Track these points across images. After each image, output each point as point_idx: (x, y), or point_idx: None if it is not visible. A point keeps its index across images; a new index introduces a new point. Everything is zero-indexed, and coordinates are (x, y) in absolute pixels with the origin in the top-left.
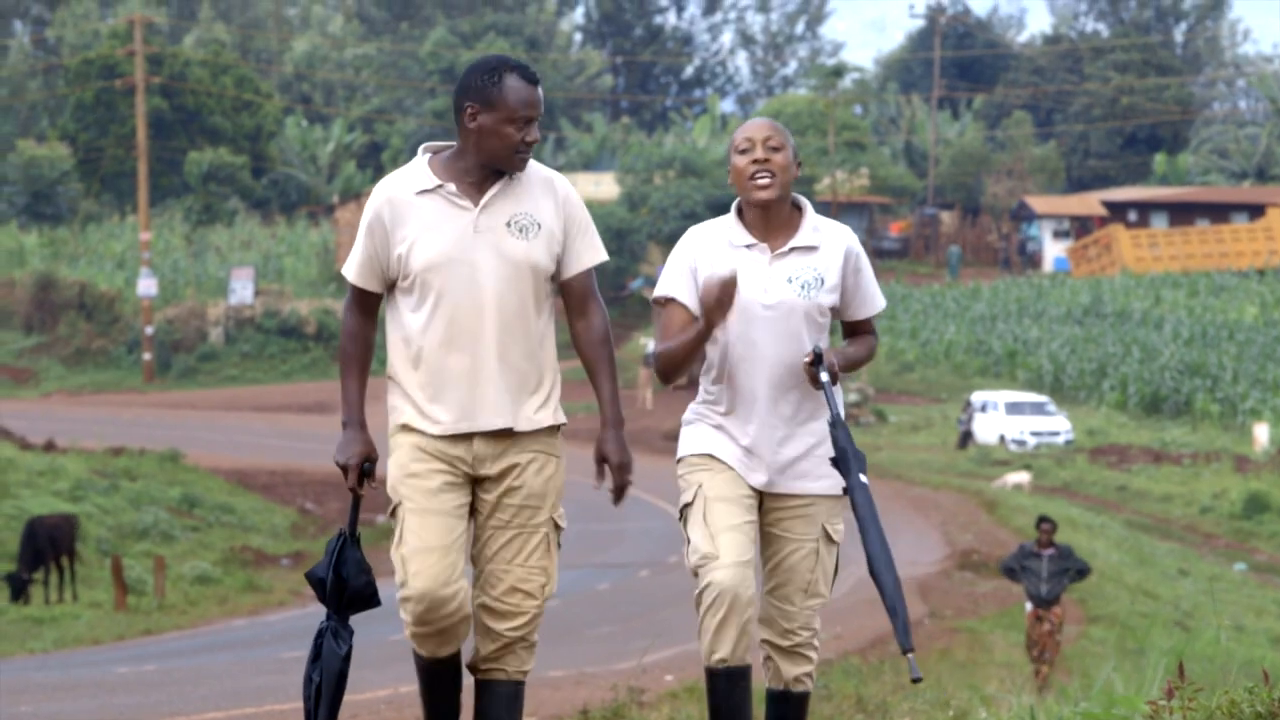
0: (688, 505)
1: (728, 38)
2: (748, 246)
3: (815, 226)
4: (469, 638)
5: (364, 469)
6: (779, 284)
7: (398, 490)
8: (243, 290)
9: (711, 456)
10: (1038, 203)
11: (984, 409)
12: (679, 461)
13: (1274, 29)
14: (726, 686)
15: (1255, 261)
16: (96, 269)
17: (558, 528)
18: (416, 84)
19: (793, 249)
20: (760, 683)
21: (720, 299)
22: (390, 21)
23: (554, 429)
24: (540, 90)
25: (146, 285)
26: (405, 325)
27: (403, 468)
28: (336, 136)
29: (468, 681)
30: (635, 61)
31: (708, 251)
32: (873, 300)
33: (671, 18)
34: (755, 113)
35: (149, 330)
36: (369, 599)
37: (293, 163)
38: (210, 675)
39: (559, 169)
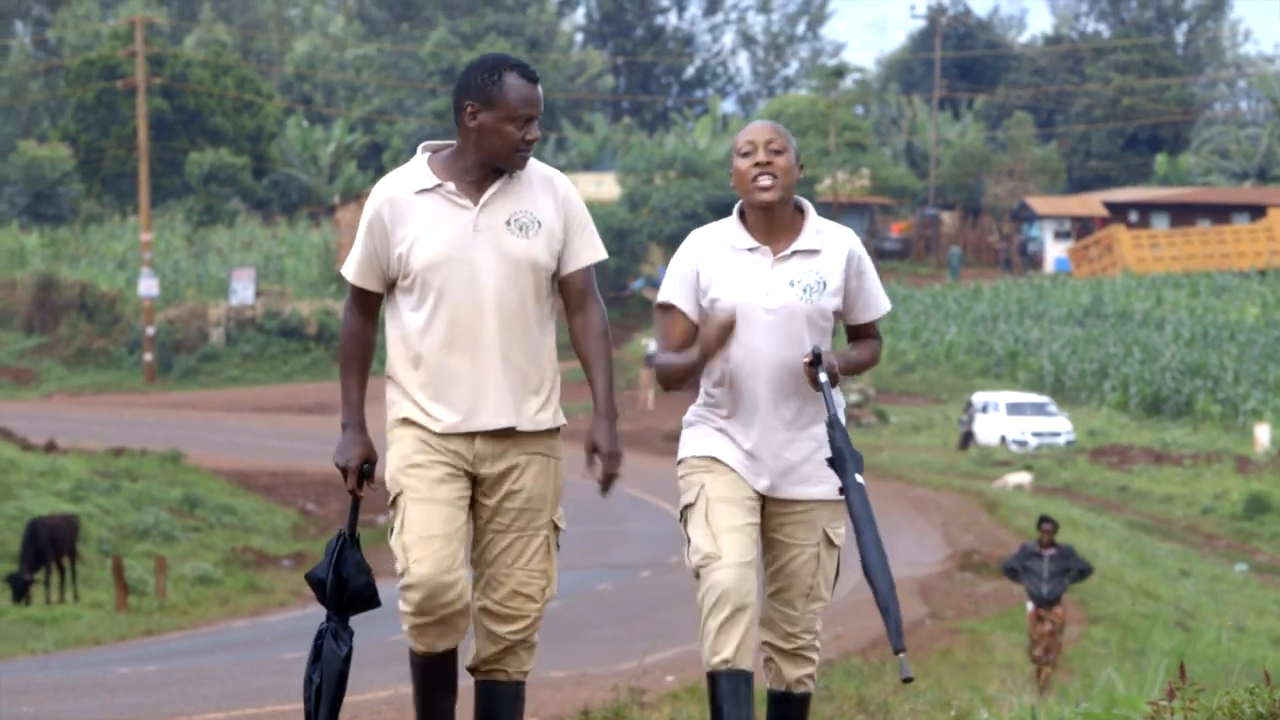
0: (689, 506)
1: (729, 38)
2: (750, 250)
3: (818, 229)
4: (468, 639)
5: (364, 471)
6: (781, 288)
7: (399, 480)
8: (244, 291)
9: (714, 459)
10: (1039, 203)
11: (985, 410)
12: (680, 463)
13: (1275, 29)
14: (729, 689)
15: (1256, 262)
16: (98, 270)
17: (557, 529)
18: (417, 84)
19: (795, 252)
20: (761, 684)
21: (719, 340)
22: (391, 22)
23: (554, 431)
24: (540, 88)
25: (148, 286)
26: (405, 325)
27: (404, 458)
28: (337, 137)
29: (464, 683)
30: (636, 62)
31: (709, 256)
32: (875, 304)
33: (673, 18)
34: (756, 113)
35: (150, 331)
36: (369, 600)
37: (294, 163)
38: (211, 676)
39: (560, 170)
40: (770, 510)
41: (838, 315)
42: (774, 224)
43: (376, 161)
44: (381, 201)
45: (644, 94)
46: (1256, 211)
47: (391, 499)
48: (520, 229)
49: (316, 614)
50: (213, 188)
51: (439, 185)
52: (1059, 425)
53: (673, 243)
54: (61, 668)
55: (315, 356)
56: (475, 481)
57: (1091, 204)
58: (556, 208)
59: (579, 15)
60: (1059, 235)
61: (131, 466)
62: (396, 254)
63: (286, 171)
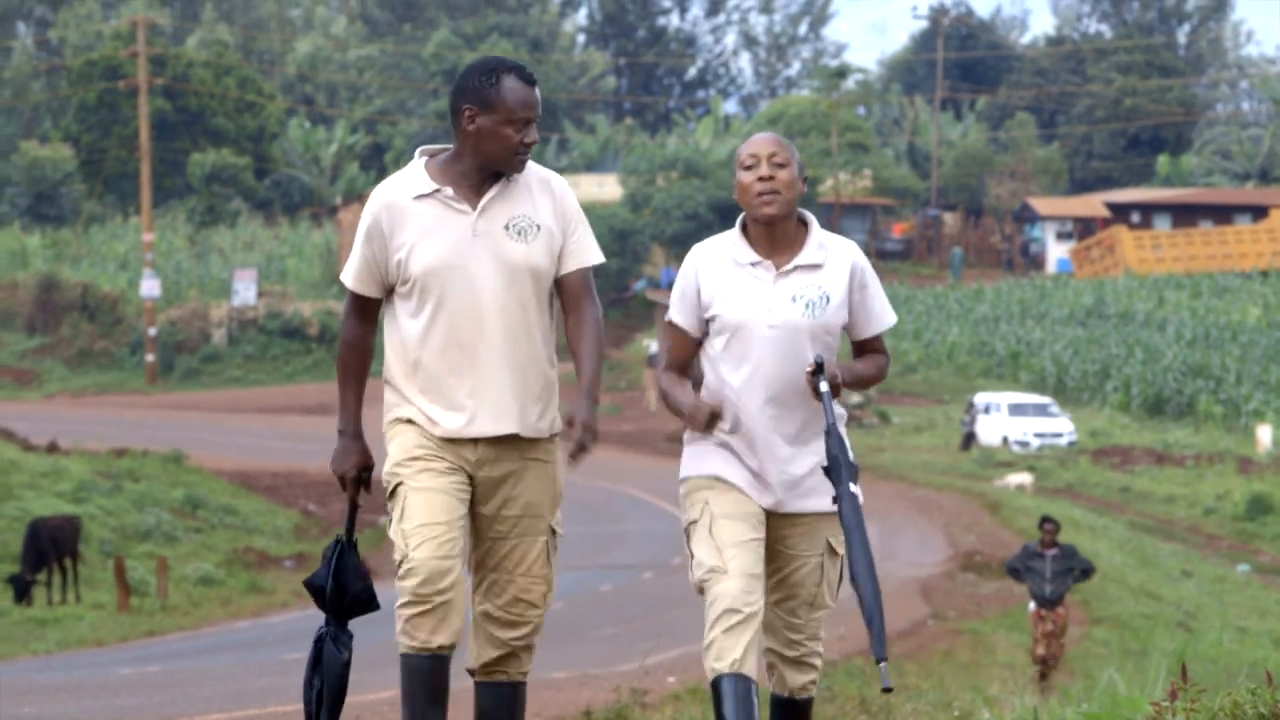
0: (694, 523)
1: (731, 39)
2: (752, 264)
3: (820, 243)
4: (464, 641)
5: (361, 479)
6: (783, 303)
7: (398, 473)
8: (245, 291)
9: (718, 479)
10: (1041, 204)
11: (987, 410)
12: (683, 481)
13: (1277, 30)
14: (733, 691)
15: (1258, 263)
16: (99, 270)
17: (555, 534)
18: (419, 85)
19: (797, 267)
20: (763, 688)
21: (705, 427)
22: (393, 23)
23: (553, 437)
24: (538, 91)
25: (149, 286)
26: (404, 330)
27: (405, 451)
28: (339, 138)
29: (464, 684)
30: (638, 63)
31: (710, 271)
32: (879, 318)
33: (674, 19)
34: (758, 114)
35: (152, 331)
36: (368, 603)
37: (295, 164)
38: (213, 677)
39: (562, 170)
40: (774, 523)
41: (845, 329)
42: (777, 238)
43: (378, 162)
44: (379, 207)
45: (646, 95)
46: (1258, 212)
47: (390, 490)
48: (519, 233)
49: (318, 615)
50: (215, 188)
51: (437, 190)
52: (1061, 426)
53: (674, 243)
54: (63, 668)
55: (317, 357)
56: (473, 485)
57: (1093, 205)
58: (555, 209)
59: (581, 16)
60: (1061, 236)
61: (133, 467)
62: (395, 260)
63: (288, 172)
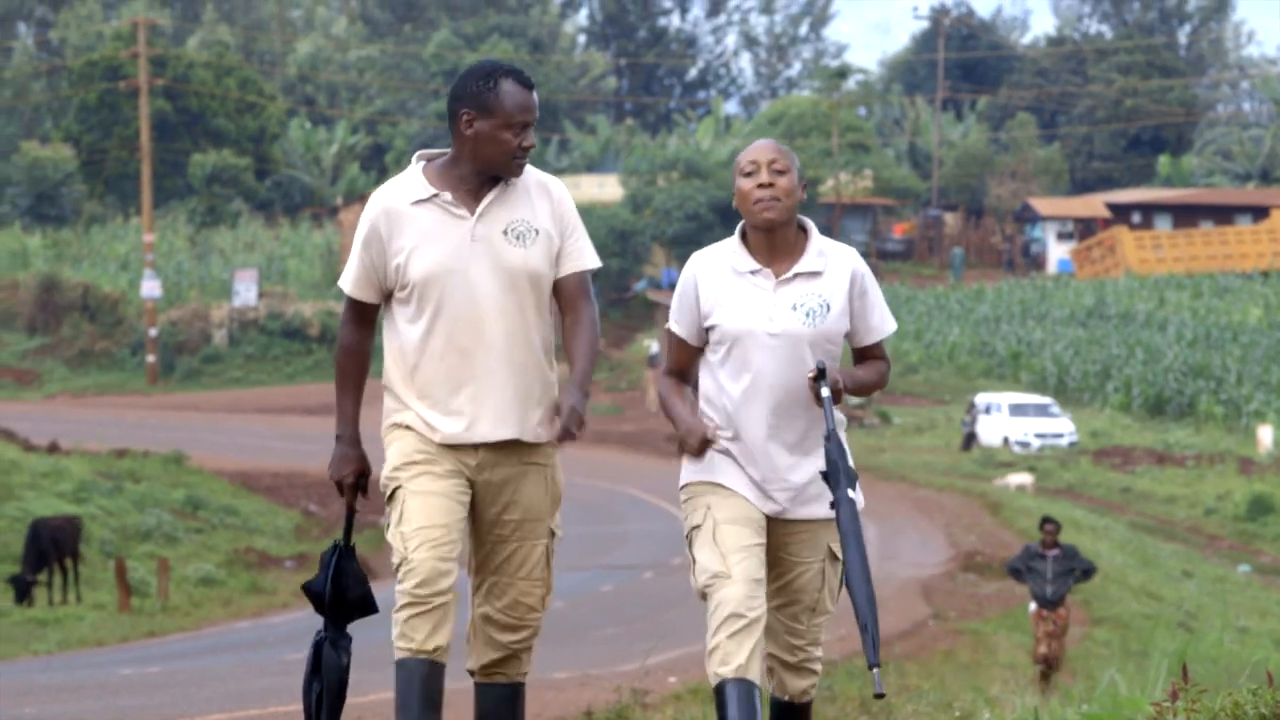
0: (696, 528)
1: (731, 39)
2: (752, 273)
3: (820, 250)
4: (458, 643)
5: (358, 485)
6: (783, 312)
7: (397, 476)
8: (246, 292)
9: (720, 484)
10: (1041, 204)
11: (988, 411)
12: (684, 486)
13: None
14: (738, 695)
15: (1259, 263)
16: (100, 271)
17: (554, 535)
18: (420, 86)
19: (797, 275)
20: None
21: (696, 454)
22: (394, 23)
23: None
24: (535, 95)
25: (150, 287)
26: (403, 336)
27: (404, 455)
28: (340, 138)
29: (464, 685)
30: (639, 63)
31: (710, 280)
32: (879, 325)
33: (675, 20)
34: (759, 114)
35: (153, 332)
36: (366, 607)
37: (296, 165)
38: (214, 677)
39: (563, 171)
40: (775, 530)
41: (847, 336)
42: (776, 245)
43: (379, 163)
44: (377, 213)
45: (647, 95)
46: (1259, 213)
47: (389, 494)
48: (518, 238)
49: (319, 616)
50: (215, 189)
51: (435, 195)
52: (1062, 426)
53: (675, 244)
54: (64, 669)
55: (318, 358)
56: (473, 489)
57: (1094, 205)
58: (553, 213)
59: (582, 17)
60: (1062, 236)
61: (134, 468)
62: (394, 265)
63: (289, 173)
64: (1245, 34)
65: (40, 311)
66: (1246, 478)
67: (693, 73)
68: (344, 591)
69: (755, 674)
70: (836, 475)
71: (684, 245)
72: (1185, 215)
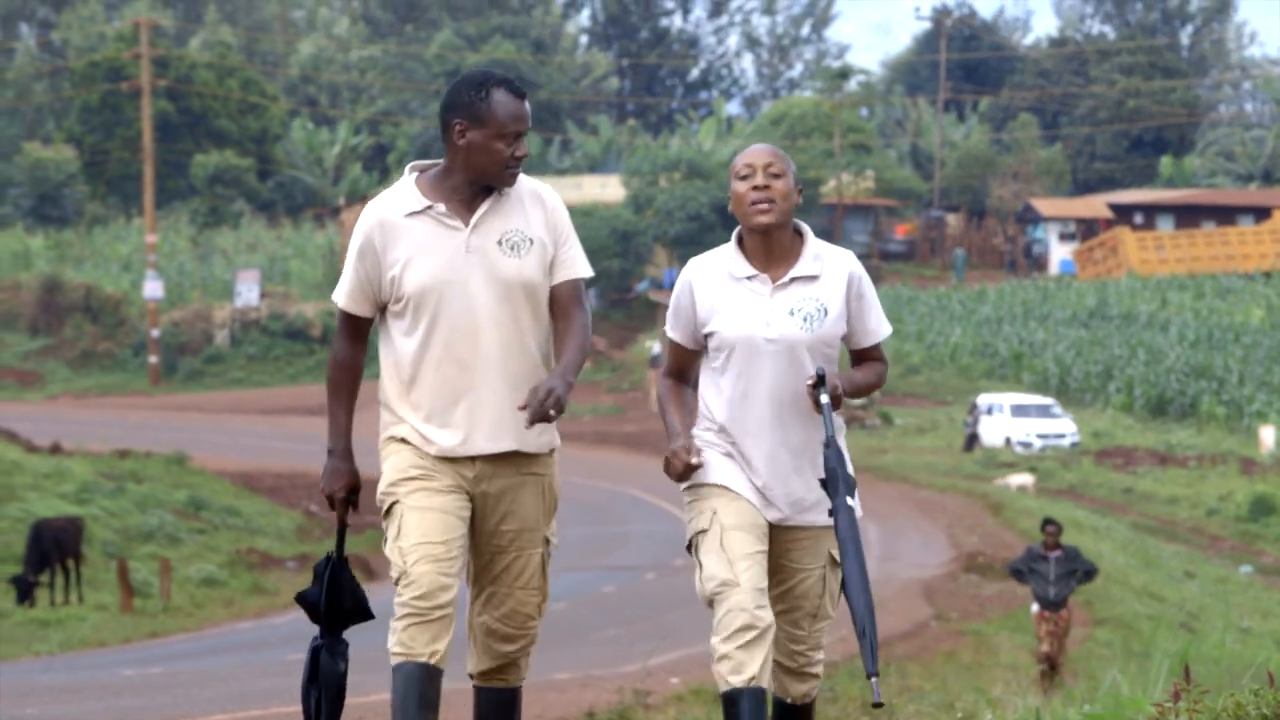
0: (702, 532)
1: (733, 40)
2: (748, 278)
3: (816, 254)
4: (459, 644)
5: (349, 500)
6: (781, 317)
7: (394, 491)
8: (248, 293)
9: (725, 487)
10: (1043, 205)
11: (990, 411)
12: (688, 487)
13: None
14: (752, 713)
15: (1261, 264)
16: (102, 271)
17: (549, 543)
18: (422, 86)
19: (794, 279)
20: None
21: (678, 477)
22: (396, 24)
23: (551, 451)
24: (528, 103)
25: (152, 288)
26: (398, 349)
27: (400, 470)
28: (342, 139)
29: (463, 685)
30: (641, 64)
31: (706, 286)
32: (875, 329)
33: (677, 20)
34: (761, 115)
35: (155, 333)
36: (362, 614)
37: (298, 165)
38: (216, 678)
39: (565, 172)
40: (776, 536)
41: (844, 339)
42: (772, 249)
43: (381, 163)
44: (371, 225)
45: (649, 96)
46: (1261, 213)
47: (386, 509)
48: (512, 248)
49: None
50: (218, 190)
51: (429, 207)
52: (1064, 427)
53: (677, 244)
54: (66, 670)
55: (320, 358)
56: (472, 501)
57: (1096, 206)
58: (546, 222)
59: (584, 17)
60: (1064, 237)
61: (136, 468)
62: (389, 278)
63: (291, 173)
64: (1247, 35)
65: (42, 312)
66: (1248, 478)
67: (695, 73)
68: (339, 602)
69: (765, 683)
70: (835, 483)
71: (686, 246)
72: (1187, 216)
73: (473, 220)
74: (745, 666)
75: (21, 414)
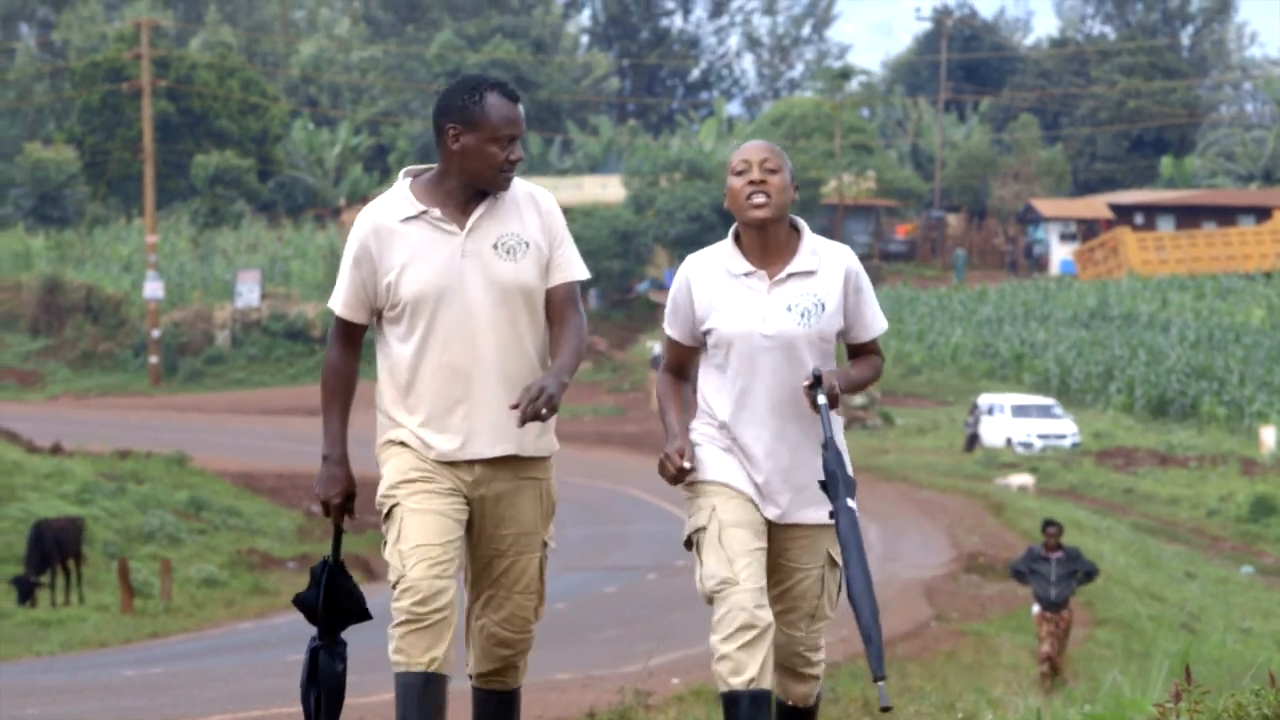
0: (701, 529)
1: (734, 40)
2: (745, 274)
3: (813, 249)
4: (457, 649)
5: (345, 506)
6: (778, 313)
7: (393, 495)
8: (249, 293)
9: (725, 484)
10: (1044, 205)
11: (990, 412)
12: (689, 484)
13: None
14: (752, 709)
15: (1262, 264)
16: (103, 272)
17: (546, 547)
18: (423, 86)
19: (790, 275)
20: None
21: (671, 480)
22: (396, 24)
23: (549, 455)
24: (521, 107)
25: (153, 288)
26: (395, 355)
27: (400, 473)
28: (343, 139)
29: (462, 686)
30: (642, 64)
31: (703, 284)
32: (872, 324)
33: (678, 20)
34: (761, 115)
35: (155, 333)
36: (361, 615)
37: (299, 165)
38: (217, 678)
39: (565, 172)
40: (774, 534)
41: (840, 335)
42: (769, 245)
43: (382, 164)
44: (367, 231)
45: (649, 96)
46: (1262, 214)
47: (386, 512)
48: (508, 252)
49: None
50: (218, 190)
51: (424, 212)
52: (1064, 427)
53: (678, 245)
54: (67, 670)
55: (320, 359)
56: (470, 505)
57: (1097, 206)
58: (541, 225)
59: (584, 17)
60: (1064, 237)
61: (137, 469)
62: (385, 284)
63: (292, 174)
64: (1248, 35)
65: (43, 313)
66: (1249, 479)
67: (695, 74)
68: (337, 605)
69: (767, 683)
70: (835, 485)
71: (686, 246)
72: (1188, 216)
73: (468, 224)
74: (745, 667)
75: (22, 414)
